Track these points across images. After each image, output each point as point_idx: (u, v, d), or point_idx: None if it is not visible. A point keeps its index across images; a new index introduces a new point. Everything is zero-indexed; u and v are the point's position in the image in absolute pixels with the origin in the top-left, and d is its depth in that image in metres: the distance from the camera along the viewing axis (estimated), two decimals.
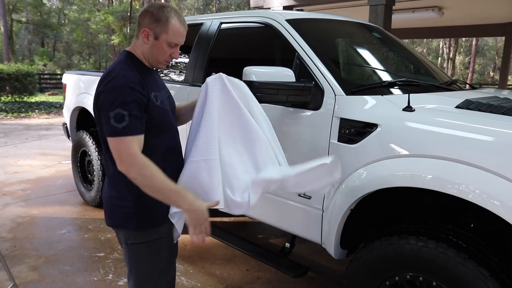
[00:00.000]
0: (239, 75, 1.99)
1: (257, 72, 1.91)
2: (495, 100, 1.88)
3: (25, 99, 13.91)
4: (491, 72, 33.89)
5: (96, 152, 3.79)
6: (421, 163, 1.59)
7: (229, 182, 1.60)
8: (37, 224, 3.67)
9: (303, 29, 2.31)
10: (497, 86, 14.55)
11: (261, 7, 6.80)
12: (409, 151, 1.64)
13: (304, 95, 2.02)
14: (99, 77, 1.53)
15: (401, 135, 1.68)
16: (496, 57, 31.54)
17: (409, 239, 1.60)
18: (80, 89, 4.05)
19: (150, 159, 1.46)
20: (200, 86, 2.76)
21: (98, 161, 3.78)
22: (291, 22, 2.34)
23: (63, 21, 35.60)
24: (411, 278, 1.61)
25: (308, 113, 2.06)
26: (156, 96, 1.54)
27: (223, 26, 2.78)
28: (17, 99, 13.58)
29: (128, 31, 24.48)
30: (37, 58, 28.44)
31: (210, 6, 30.95)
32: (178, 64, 3.14)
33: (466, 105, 1.79)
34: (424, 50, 33.93)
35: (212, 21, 2.87)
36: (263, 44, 2.61)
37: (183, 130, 2.86)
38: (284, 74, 1.98)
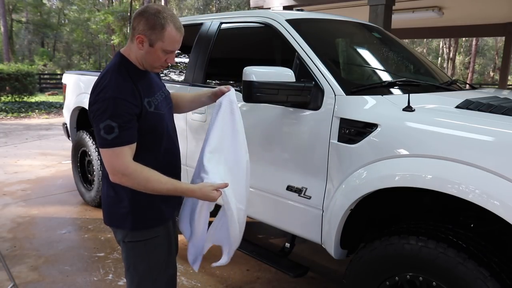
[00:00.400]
0: (239, 75, 1.99)
1: (257, 72, 1.91)
2: (495, 100, 1.88)
3: (25, 99, 13.90)
4: (491, 72, 33.88)
5: (96, 152, 3.79)
6: (421, 163, 1.59)
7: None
8: (37, 224, 3.66)
9: (303, 29, 2.31)
10: (497, 86, 14.54)
11: (261, 7, 6.80)
12: (409, 151, 1.64)
13: (304, 95, 2.02)
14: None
15: (401, 135, 1.68)
16: (496, 57, 31.54)
17: (409, 239, 1.60)
18: (80, 89, 4.05)
19: (146, 161, 1.46)
20: (200, 86, 2.77)
21: (98, 161, 3.77)
22: (291, 22, 2.34)
23: (63, 21, 35.59)
24: (411, 278, 1.61)
25: (308, 113, 2.06)
26: (149, 102, 1.52)
27: (223, 26, 2.78)
28: (17, 99, 13.57)
29: (128, 31, 24.46)
30: (37, 58, 28.43)
31: (210, 6, 30.94)
32: (178, 64, 3.14)
33: (466, 105, 1.78)
34: (424, 50, 33.92)
35: (212, 21, 2.87)
36: (263, 44, 2.61)
37: (183, 130, 2.87)
38: (284, 74, 1.97)
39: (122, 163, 1.40)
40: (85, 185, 4.17)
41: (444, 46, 31.25)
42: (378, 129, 1.75)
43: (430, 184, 1.54)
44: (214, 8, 30.84)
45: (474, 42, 28.05)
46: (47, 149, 6.97)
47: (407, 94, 1.84)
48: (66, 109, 4.37)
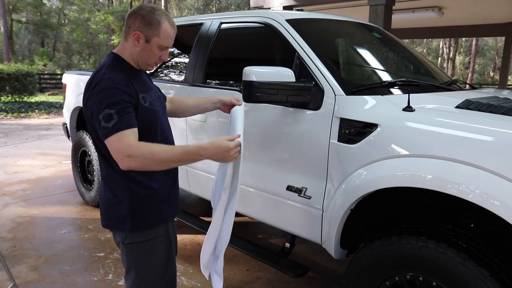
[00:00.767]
0: (239, 75, 1.99)
1: (257, 72, 1.91)
2: (495, 100, 1.88)
3: (25, 99, 13.91)
4: (491, 72, 33.88)
5: (96, 152, 3.78)
6: (421, 163, 1.59)
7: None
8: (37, 224, 3.67)
9: (303, 29, 2.31)
10: (497, 86, 14.54)
11: (261, 7, 6.80)
12: (409, 151, 1.64)
13: (304, 95, 2.02)
14: None
15: (401, 135, 1.68)
16: (496, 57, 31.54)
17: (409, 239, 1.60)
18: (80, 89, 4.05)
19: None
20: (200, 86, 2.77)
21: (98, 161, 3.77)
22: (291, 22, 2.34)
23: (63, 21, 35.59)
24: (411, 278, 1.61)
25: (308, 113, 2.06)
26: (144, 97, 1.53)
27: (223, 26, 2.78)
28: (17, 99, 13.58)
29: None
30: (37, 58, 28.43)
31: (210, 6, 30.95)
32: (178, 64, 3.14)
33: (466, 105, 1.78)
34: (424, 50, 33.92)
35: (212, 21, 2.87)
36: (263, 44, 2.61)
37: (183, 130, 2.87)
38: (284, 74, 1.97)
39: (125, 144, 1.38)
40: (85, 185, 4.17)
41: (444, 46, 31.25)
42: (378, 129, 1.75)
43: (430, 184, 1.54)
44: (214, 8, 30.85)
45: (474, 42, 28.06)
46: (47, 149, 6.97)
47: (407, 94, 1.84)
48: (66, 109, 4.37)
